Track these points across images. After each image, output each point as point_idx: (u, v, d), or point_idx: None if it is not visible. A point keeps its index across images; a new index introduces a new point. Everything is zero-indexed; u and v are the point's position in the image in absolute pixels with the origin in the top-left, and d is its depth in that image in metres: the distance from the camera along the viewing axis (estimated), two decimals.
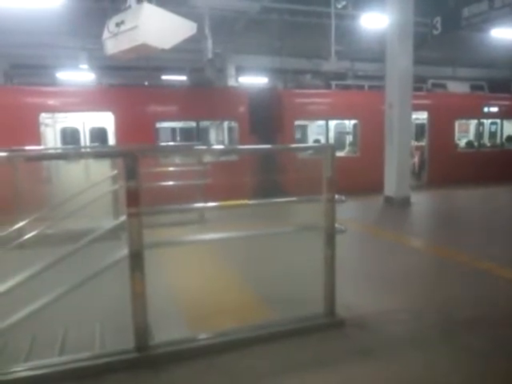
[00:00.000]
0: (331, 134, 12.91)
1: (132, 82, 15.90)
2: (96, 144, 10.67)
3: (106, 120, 10.06)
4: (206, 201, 6.35)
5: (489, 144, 14.94)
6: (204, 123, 12.08)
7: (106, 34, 6.29)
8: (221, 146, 11.27)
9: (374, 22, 12.18)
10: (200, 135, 11.08)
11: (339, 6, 12.08)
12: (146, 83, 14.93)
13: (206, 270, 4.69)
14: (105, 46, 6.38)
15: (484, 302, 3.74)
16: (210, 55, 11.19)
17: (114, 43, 6.20)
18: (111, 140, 10.20)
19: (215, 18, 11.86)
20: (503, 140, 14.54)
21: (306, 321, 3.17)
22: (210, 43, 11.66)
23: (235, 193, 7.92)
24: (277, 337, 3.00)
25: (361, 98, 12.34)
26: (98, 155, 4.90)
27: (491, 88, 14.61)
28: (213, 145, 12.58)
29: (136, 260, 2.66)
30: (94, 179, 6.61)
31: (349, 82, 13.04)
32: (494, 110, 13.92)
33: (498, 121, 14.51)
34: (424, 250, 5.70)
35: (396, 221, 7.80)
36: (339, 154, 11.91)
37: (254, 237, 3.59)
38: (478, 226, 7.02)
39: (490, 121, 15.13)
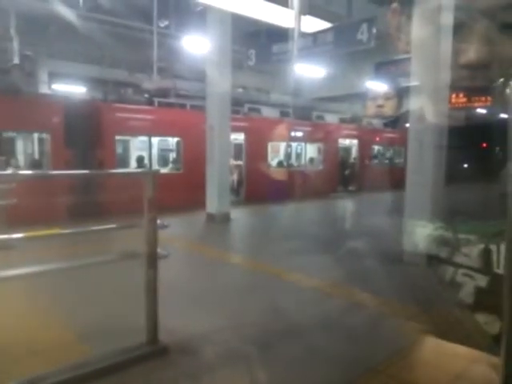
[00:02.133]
0: (154, 151, 12.84)
1: None
2: None
3: None
4: (11, 225, 5.63)
5: (296, 164, 16.89)
6: (9, 134, 10.69)
7: None
8: (27, 172, 10.00)
9: (195, 45, 12.63)
10: (3, 147, 9.75)
11: (162, 25, 12.18)
12: None
13: (13, 306, 4.12)
14: None
15: (295, 312, 4.19)
16: (16, 59, 10.01)
17: None
18: None
19: (25, 18, 10.70)
20: (306, 161, 16.64)
21: (127, 353, 3.06)
22: (16, 45, 10.46)
23: (48, 212, 7.23)
24: (97, 374, 2.82)
25: (184, 116, 12.62)
26: None
27: (296, 115, 16.59)
28: (17, 164, 11.11)
29: None
30: None
31: (171, 100, 13.20)
32: (300, 134, 15.91)
33: (303, 144, 16.59)
34: (243, 266, 6.09)
35: (217, 237, 8.17)
36: (163, 170, 11.95)
37: (71, 269, 3.30)
38: (287, 239, 7.84)
39: (296, 143, 17.14)
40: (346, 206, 14.42)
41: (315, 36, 7.38)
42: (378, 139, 20.01)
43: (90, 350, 3.19)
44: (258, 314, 4.15)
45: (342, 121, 18.60)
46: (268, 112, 15.64)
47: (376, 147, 20.21)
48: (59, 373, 2.77)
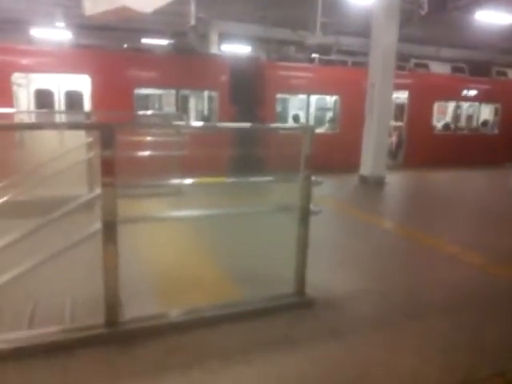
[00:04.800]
0: (311, 109, 12.87)
1: (111, 43, 15.36)
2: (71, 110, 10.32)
3: (82, 83, 9.73)
4: (183, 173, 6.33)
5: (466, 127, 15.17)
6: (184, 91, 11.84)
7: None
8: (200, 123, 11.02)
9: None
10: (179, 103, 10.87)
11: None
12: (125, 46, 14.44)
13: (179, 244, 4.69)
14: (83, 6, 6.12)
15: (450, 287, 3.87)
16: (193, 21, 10.85)
17: (93, 4, 5.96)
18: (87, 104, 9.90)
19: None
20: (479, 124, 14.79)
21: (276, 300, 3.23)
22: (193, 8, 11.30)
23: (214, 164, 7.90)
24: (246, 315, 3.06)
25: (344, 73, 12.28)
26: (74, 127, 4.74)
27: (472, 70, 14.71)
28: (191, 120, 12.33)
29: (109, 232, 2.63)
30: (68, 145, 6.44)
31: (332, 57, 12.90)
32: (473, 93, 14.10)
33: (476, 104, 14.72)
34: (395, 232, 5.83)
35: (369, 200, 7.92)
36: (319, 130, 11.94)
37: (230, 215, 3.58)
38: (449, 210, 7.19)
39: (467, 104, 15.32)
40: None
41: None
42: None
43: (242, 292, 3.47)
44: (408, 282, 3.95)
45: None
46: (437, 68, 14.18)
47: None
48: (216, 307, 3.09)
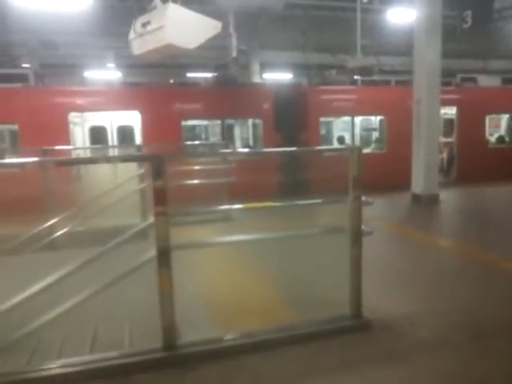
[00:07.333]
0: (356, 130, 12.76)
1: (157, 79, 16.10)
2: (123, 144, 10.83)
3: (132, 119, 10.22)
4: (231, 199, 6.41)
5: None
6: (229, 121, 12.13)
7: (132, 35, 6.38)
8: (245, 150, 11.21)
9: (400, 17, 11.94)
10: (225, 132, 11.13)
11: (364, 1, 11.84)
12: (172, 81, 15.08)
13: (232, 269, 4.72)
14: (131, 46, 6.48)
15: None
16: (234, 53, 11.20)
17: (140, 43, 6.29)
18: (138, 138, 10.35)
19: (239, 15, 11.84)
20: None
21: (331, 323, 3.15)
22: (234, 41, 11.67)
23: (260, 190, 7.97)
24: (302, 339, 3.00)
25: (387, 93, 12.14)
26: (126, 160, 4.98)
27: None
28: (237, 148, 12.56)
29: (163, 258, 2.70)
30: (121, 177, 6.73)
31: (375, 77, 12.81)
32: None
33: None
34: (453, 251, 5.58)
35: (424, 219, 7.65)
36: (365, 150, 11.78)
37: (280, 238, 3.57)
38: (509, 227, 6.81)
39: None
40: None
41: None
42: None
43: (296, 315, 3.40)
44: (468, 302, 3.74)
45: None
46: (486, 81, 13.73)
47: None
48: (271, 331, 3.05)
